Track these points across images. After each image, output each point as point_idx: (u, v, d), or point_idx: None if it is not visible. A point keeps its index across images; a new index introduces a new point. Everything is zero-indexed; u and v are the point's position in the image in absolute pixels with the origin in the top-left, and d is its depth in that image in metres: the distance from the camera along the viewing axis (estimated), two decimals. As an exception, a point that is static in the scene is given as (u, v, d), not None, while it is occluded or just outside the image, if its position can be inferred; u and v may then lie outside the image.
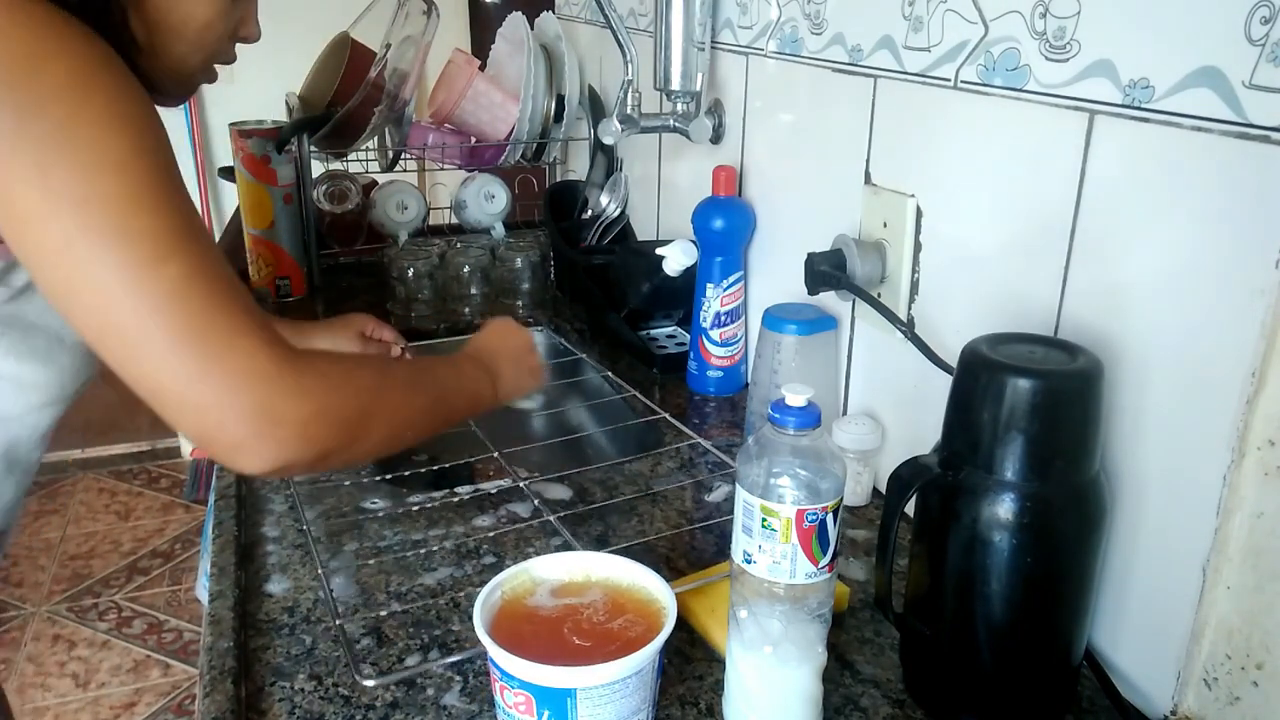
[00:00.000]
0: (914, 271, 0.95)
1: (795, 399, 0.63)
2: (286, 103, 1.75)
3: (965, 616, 0.69)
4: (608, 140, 1.28)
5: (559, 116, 1.71)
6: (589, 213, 1.63)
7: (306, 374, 0.67)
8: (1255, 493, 0.63)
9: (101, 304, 0.61)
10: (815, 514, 0.62)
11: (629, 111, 1.29)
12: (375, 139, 1.70)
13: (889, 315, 0.93)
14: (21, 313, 0.74)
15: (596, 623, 0.68)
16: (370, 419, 0.73)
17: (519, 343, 1.01)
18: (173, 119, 3.05)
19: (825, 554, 0.64)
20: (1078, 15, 0.72)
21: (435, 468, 1.07)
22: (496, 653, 0.63)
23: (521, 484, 1.04)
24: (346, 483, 1.04)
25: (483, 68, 1.72)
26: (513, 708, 0.64)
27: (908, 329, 0.91)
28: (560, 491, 1.04)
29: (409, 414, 0.79)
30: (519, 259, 1.61)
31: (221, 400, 0.63)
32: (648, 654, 0.63)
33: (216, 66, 0.83)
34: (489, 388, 0.92)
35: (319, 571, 0.88)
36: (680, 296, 1.36)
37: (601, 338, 1.47)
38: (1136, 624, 0.74)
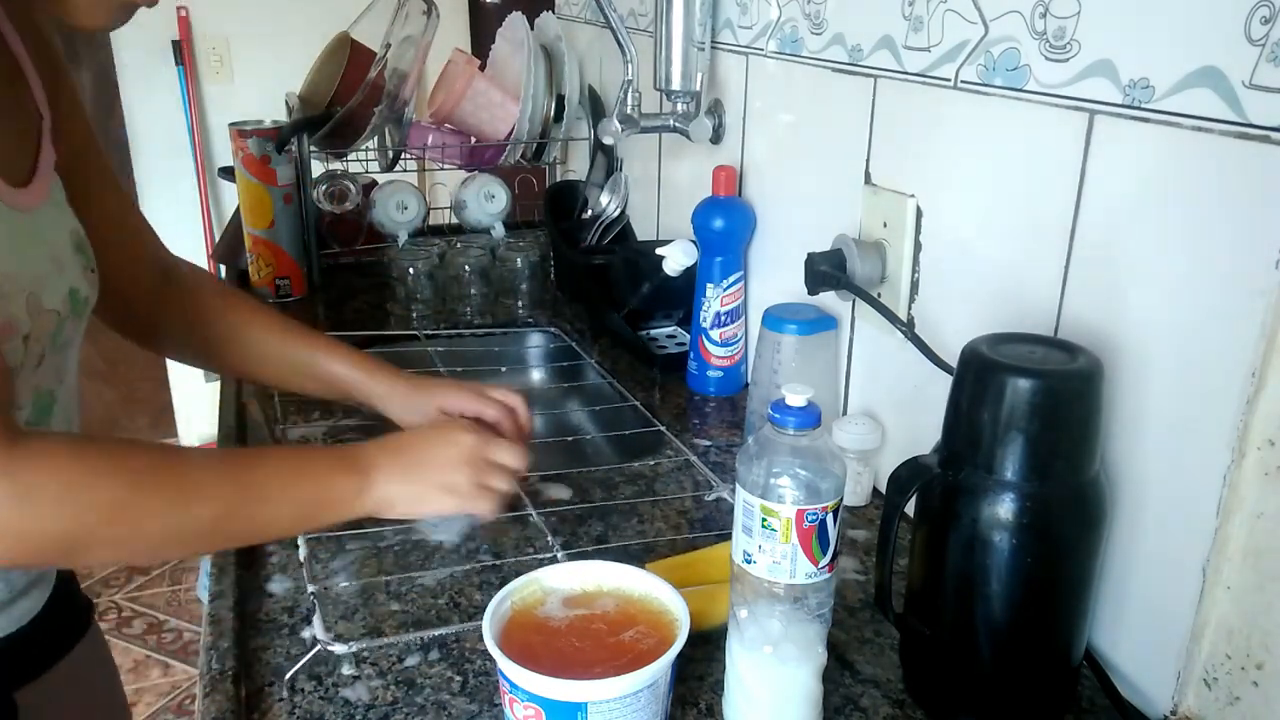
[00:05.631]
0: (914, 271, 0.95)
1: (795, 399, 0.63)
2: (286, 103, 1.75)
3: (965, 616, 0.69)
4: (608, 140, 1.28)
5: (559, 116, 1.71)
6: (589, 213, 1.63)
7: (24, 473, 0.61)
8: (1255, 493, 0.63)
9: None
10: (815, 514, 0.63)
11: (629, 111, 1.29)
12: (375, 139, 1.70)
13: (889, 315, 0.93)
14: None
15: (608, 634, 0.67)
16: (101, 540, 0.65)
17: (449, 453, 0.80)
18: (173, 119, 3.06)
19: (825, 554, 0.64)
20: (1078, 15, 0.72)
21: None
22: (506, 665, 0.62)
23: (520, 484, 1.04)
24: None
25: (483, 68, 1.72)
26: (521, 720, 0.63)
27: (908, 329, 0.91)
28: (560, 491, 1.04)
29: (171, 531, 0.68)
30: (519, 259, 1.61)
31: None
32: (660, 667, 0.63)
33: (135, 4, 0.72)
34: (348, 492, 0.76)
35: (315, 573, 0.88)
36: (680, 296, 1.36)
37: (601, 338, 1.47)
38: (1136, 624, 0.74)
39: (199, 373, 1.66)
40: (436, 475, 0.80)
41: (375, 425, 1.14)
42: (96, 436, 0.69)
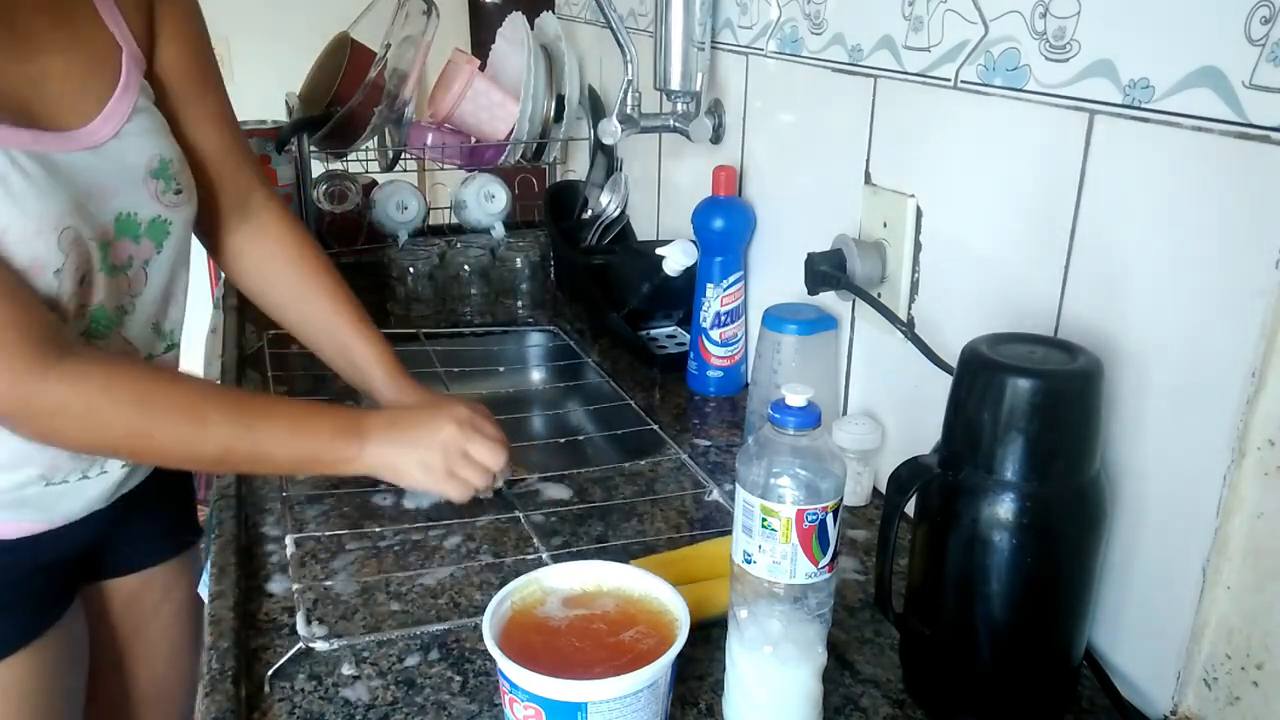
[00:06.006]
0: (914, 271, 0.95)
1: (795, 399, 0.63)
2: (286, 103, 1.75)
3: (965, 616, 0.69)
4: (608, 140, 1.28)
5: (559, 116, 1.71)
6: (589, 213, 1.63)
7: (54, 393, 0.74)
8: (1255, 493, 0.63)
9: None
10: (815, 514, 0.62)
11: (629, 111, 1.29)
12: (375, 139, 1.70)
13: (889, 315, 0.93)
14: None
15: (608, 634, 0.67)
16: (121, 454, 0.82)
17: (432, 437, 0.89)
18: (173, 119, 3.06)
19: (825, 554, 0.64)
20: (1078, 15, 0.72)
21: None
22: (506, 665, 0.62)
23: (506, 483, 1.04)
24: (347, 487, 1.04)
25: (483, 68, 1.72)
26: (521, 720, 0.63)
27: (908, 329, 0.91)
28: (560, 491, 1.04)
29: (181, 457, 0.83)
30: (519, 259, 1.61)
31: None
32: (660, 667, 0.63)
33: None
34: (346, 454, 0.87)
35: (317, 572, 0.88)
36: (680, 296, 1.36)
37: (601, 338, 1.47)
38: (1136, 624, 0.74)
39: (199, 373, 1.66)
40: (417, 452, 0.89)
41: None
42: (130, 365, 0.83)
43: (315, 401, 0.90)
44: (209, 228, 1.02)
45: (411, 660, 0.77)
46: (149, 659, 1.10)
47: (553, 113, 1.71)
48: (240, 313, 1.46)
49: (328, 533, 0.94)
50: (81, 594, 0.98)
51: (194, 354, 1.75)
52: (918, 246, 0.94)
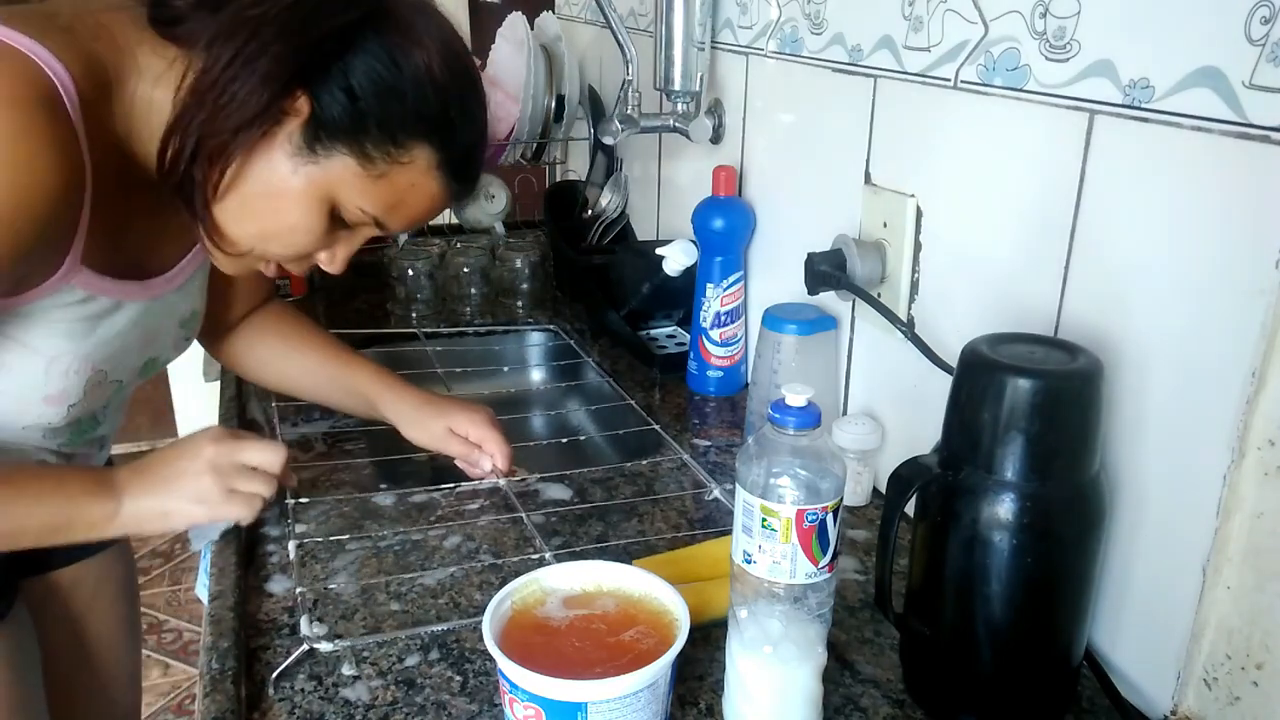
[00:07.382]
0: (914, 271, 0.95)
1: (795, 399, 0.63)
2: (286, 103, 1.75)
3: (965, 616, 0.69)
4: (608, 140, 1.28)
5: (559, 116, 1.71)
6: (589, 213, 1.63)
7: None
8: (1255, 493, 0.63)
9: None
10: (815, 514, 0.63)
11: (629, 111, 1.29)
12: (375, 139, 1.69)
13: (889, 315, 0.93)
14: None
15: (608, 634, 0.67)
16: None
17: (193, 465, 0.82)
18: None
19: (825, 554, 0.64)
20: (1078, 15, 0.72)
21: (432, 486, 1.07)
22: (506, 665, 0.62)
23: (504, 483, 1.04)
24: (347, 487, 1.04)
25: (483, 68, 1.72)
26: (521, 720, 0.63)
27: (908, 329, 0.91)
28: (560, 491, 1.04)
29: None
30: (519, 259, 1.61)
31: None
32: (660, 667, 0.63)
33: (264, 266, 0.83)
34: (100, 514, 0.80)
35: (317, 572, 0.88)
36: (680, 296, 1.36)
37: (601, 337, 1.47)
38: (1136, 624, 0.74)
39: (199, 372, 1.66)
40: (183, 487, 0.82)
41: (376, 426, 1.14)
42: None
43: (69, 466, 0.86)
44: (210, 331, 1.03)
45: (411, 660, 0.77)
46: (92, 648, 1.10)
47: (553, 113, 1.71)
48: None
49: (328, 533, 0.94)
50: (22, 588, 0.97)
51: (194, 364, 1.75)
52: (918, 246, 0.94)
